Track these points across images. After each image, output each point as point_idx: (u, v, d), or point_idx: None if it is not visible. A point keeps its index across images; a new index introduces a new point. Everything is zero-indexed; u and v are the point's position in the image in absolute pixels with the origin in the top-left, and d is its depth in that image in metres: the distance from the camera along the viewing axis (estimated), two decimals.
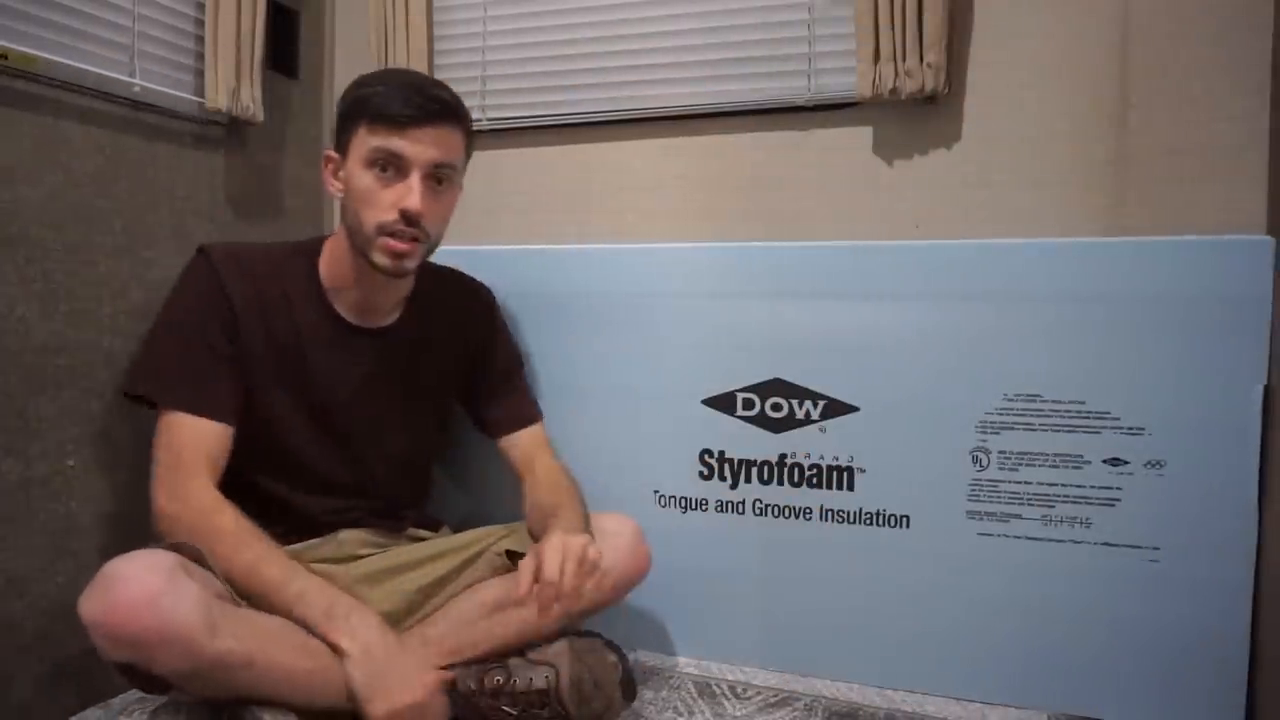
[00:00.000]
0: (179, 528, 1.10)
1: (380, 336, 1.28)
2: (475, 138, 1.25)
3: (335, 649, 1.07)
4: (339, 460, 1.25)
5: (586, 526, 1.17)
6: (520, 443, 1.37)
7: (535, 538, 1.21)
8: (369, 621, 1.10)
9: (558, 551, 1.03)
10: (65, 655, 1.24)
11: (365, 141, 1.13)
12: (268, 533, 1.19)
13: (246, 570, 1.08)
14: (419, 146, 1.13)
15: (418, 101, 1.12)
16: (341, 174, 1.18)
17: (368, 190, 1.14)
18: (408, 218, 1.13)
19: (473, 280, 1.42)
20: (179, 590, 0.98)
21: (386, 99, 1.12)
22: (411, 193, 1.13)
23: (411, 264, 1.18)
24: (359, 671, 1.06)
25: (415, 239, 1.15)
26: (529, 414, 1.39)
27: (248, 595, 1.08)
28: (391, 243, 1.14)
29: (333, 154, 1.20)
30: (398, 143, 1.12)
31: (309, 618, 1.08)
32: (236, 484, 1.18)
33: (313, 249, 1.26)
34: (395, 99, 1.12)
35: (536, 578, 1.02)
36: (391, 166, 1.13)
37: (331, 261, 1.24)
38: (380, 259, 1.15)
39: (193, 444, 1.14)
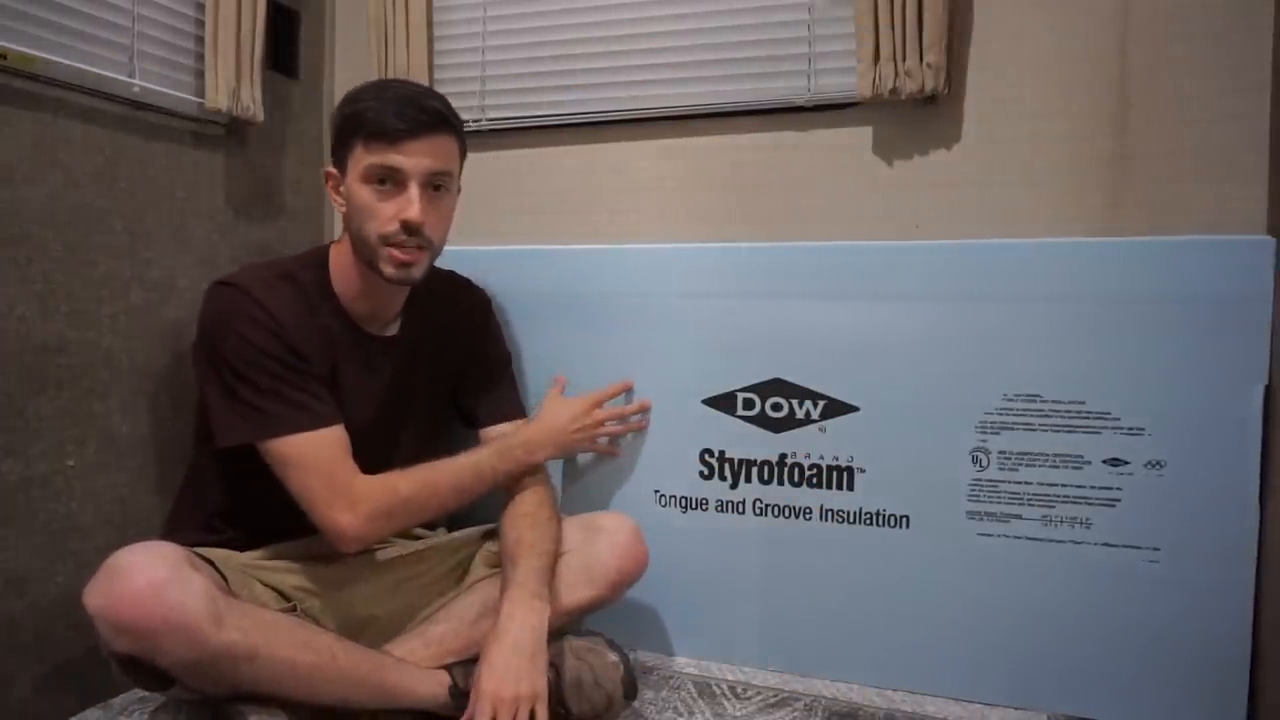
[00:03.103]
0: (379, 524, 1.16)
1: (390, 343, 1.29)
2: (469, 139, 1.26)
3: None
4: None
5: (546, 579, 1.18)
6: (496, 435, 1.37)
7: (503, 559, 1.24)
8: (527, 433, 1.35)
9: (487, 712, 1.05)
10: (65, 655, 1.24)
11: (362, 158, 1.15)
12: (272, 531, 1.19)
13: (454, 491, 1.23)
14: (414, 159, 1.15)
15: (410, 115, 1.14)
16: (343, 189, 1.20)
17: (368, 204, 1.16)
18: (409, 228, 1.15)
19: (468, 282, 1.43)
20: (185, 580, 0.98)
21: (379, 115, 1.14)
22: (411, 204, 1.15)
23: (419, 272, 1.20)
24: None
25: (420, 247, 1.18)
26: (512, 410, 1.40)
27: (464, 500, 1.25)
28: (396, 253, 1.17)
29: (332, 171, 1.22)
30: (394, 157, 1.14)
31: (506, 473, 1.28)
32: (249, 486, 1.18)
33: (319, 261, 1.26)
34: (387, 114, 1.14)
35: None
36: (390, 180, 1.15)
37: (340, 273, 1.25)
38: (388, 269, 1.18)
39: (328, 455, 1.14)
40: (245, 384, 1.13)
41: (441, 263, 1.43)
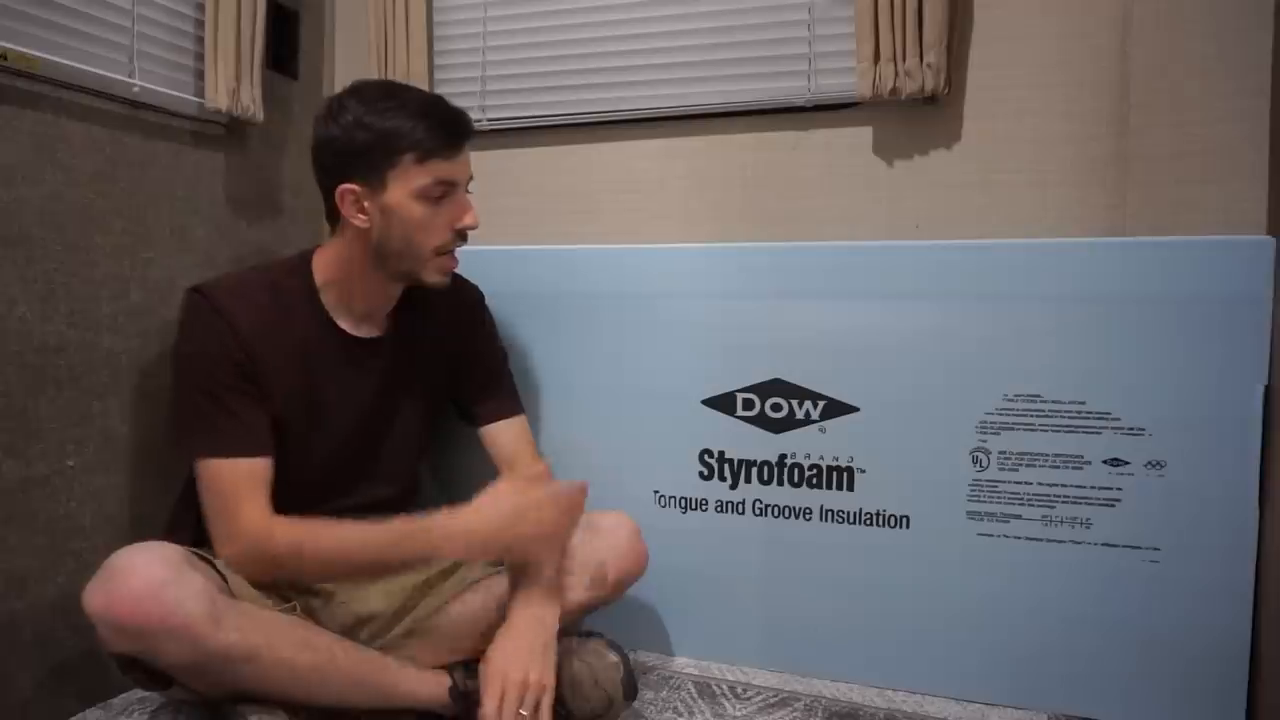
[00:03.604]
0: (249, 568, 1.11)
1: (379, 346, 1.28)
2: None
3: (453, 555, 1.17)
4: (339, 468, 1.26)
5: (555, 579, 1.18)
6: (501, 437, 1.37)
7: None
8: (463, 516, 1.12)
9: (497, 691, 1.06)
10: (65, 656, 1.24)
11: (417, 175, 1.14)
12: None
13: (333, 567, 1.13)
14: (464, 167, 1.20)
15: (461, 127, 1.18)
16: (370, 205, 1.16)
17: (423, 219, 1.17)
18: (465, 234, 1.20)
19: (458, 277, 1.41)
20: (184, 581, 0.99)
21: (431, 131, 1.14)
22: (470, 209, 1.20)
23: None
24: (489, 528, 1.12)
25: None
26: (510, 407, 1.40)
27: (353, 574, 1.17)
28: (447, 261, 1.21)
29: (354, 187, 1.15)
30: (451, 169, 1.17)
31: (419, 555, 1.13)
32: None
33: (303, 267, 1.24)
34: (440, 129, 1.15)
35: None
36: (443, 191, 1.17)
37: (330, 278, 1.23)
38: (434, 276, 1.21)
39: (231, 484, 1.13)
40: (193, 394, 1.15)
41: None
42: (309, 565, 1.13)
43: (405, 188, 1.15)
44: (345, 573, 1.17)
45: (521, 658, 1.09)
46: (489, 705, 1.06)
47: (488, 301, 1.45)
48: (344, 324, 1.25)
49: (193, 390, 1.15)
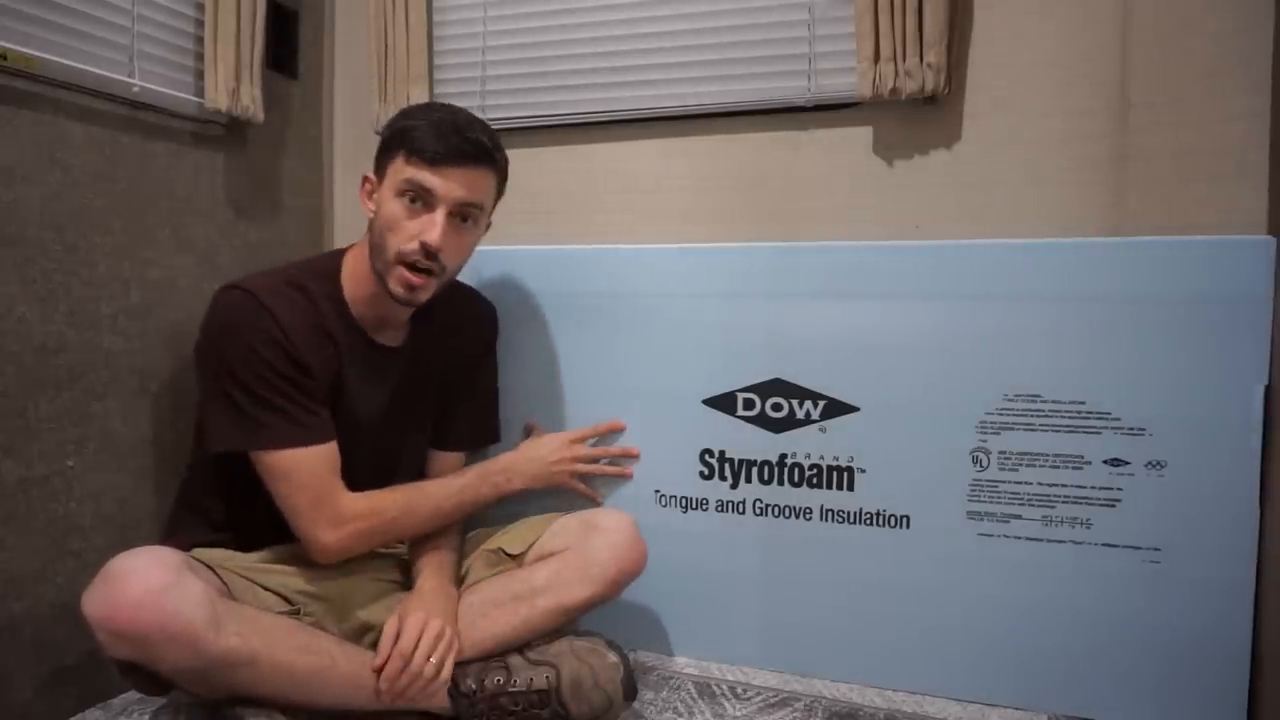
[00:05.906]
0: (360, 543, 1.20)
1: (399, 353, 1.29)
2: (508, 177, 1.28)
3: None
4: (358, 473, 1.26)
5: (455, 578, 1.28)
6: (452, 462, 1.41)
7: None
8: (507, 459, 1.38)
9: (416, 630, 1.12)
10: (65, 656, 1.24)
11: (400, 171, 1.16)
12: (273, 533, 1.19)
13: (435, 514, 1.27)
14: (448, 184, 1.15)
15: (454, 142, 1.15)
16: (375, 197, 1.21)
17: (395, 217, 1.17)
18: (427, 250, 1.16)
19: (482, 300, 1.44)
20: (184, 586, 0.98)
21: (425, 134, 1.15)
22: (434, 227, 1.15)
23: (424, 296, 1.20)
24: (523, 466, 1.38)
25: (430, 272, 1.18)
26: (485, 435, 1.46)
27: (448, 522, 1.30)
28: (407, 274, 1.17)
29: (369, 176, 1.23)
30: (429, 178, 1.15)
31: (484, 498, 1.33)
32: (250, 488, 1.17)
33: (332, 269, 1.25)
34: (432, 136, 1.15)
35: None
36: (421, 199, 1.16)
37: (354, 281, 1.24)
38: (395, 288, 1.18)
39: (317, 472, 1.15)
40: (244, 393, 1.13)
41: None
42: (414, 522, 1.26)
43: (391, 182, 1.18)
44: (438, 522, 1.29)
45: (439, 612, 1.16)
46: (405, 642, 1.10)
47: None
48: (368, 328, 1.25)
49: (250, 387, 1.13)
